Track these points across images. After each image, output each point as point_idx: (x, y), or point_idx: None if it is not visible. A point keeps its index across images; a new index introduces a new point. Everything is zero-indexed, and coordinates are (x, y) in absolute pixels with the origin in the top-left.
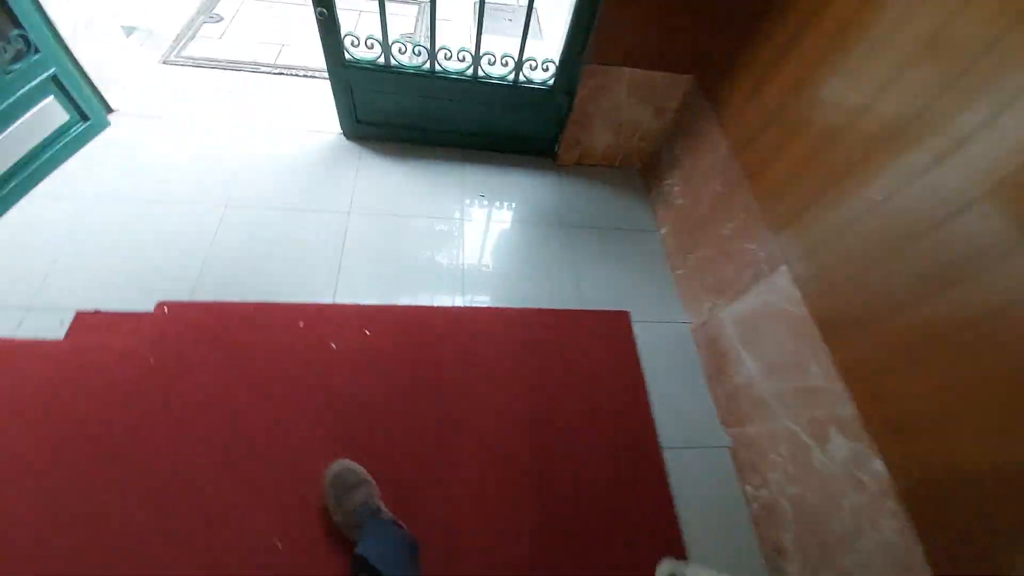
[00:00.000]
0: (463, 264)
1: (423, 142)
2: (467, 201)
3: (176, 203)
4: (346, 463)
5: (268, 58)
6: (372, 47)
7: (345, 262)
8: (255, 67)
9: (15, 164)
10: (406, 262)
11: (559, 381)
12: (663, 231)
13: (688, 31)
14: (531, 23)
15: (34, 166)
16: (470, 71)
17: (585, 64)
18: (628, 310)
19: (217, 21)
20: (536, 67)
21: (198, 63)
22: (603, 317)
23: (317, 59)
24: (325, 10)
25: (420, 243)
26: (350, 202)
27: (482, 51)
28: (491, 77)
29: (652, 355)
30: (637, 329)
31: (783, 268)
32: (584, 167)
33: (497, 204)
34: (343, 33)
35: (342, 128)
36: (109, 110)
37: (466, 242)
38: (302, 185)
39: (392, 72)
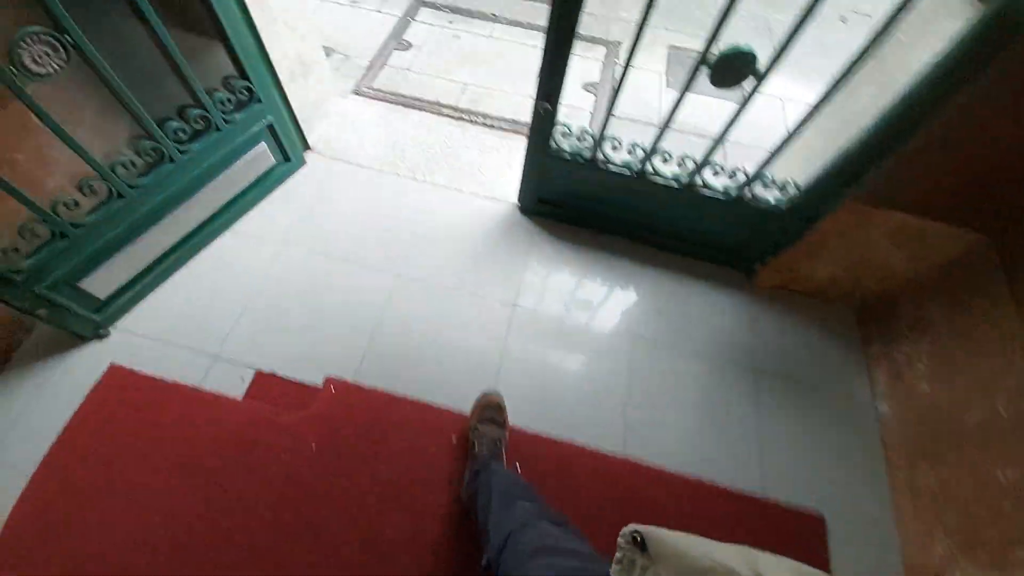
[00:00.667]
0: (626, 398)
1: (599, 229)
2: (641, 316)
3: (351, 263)
4: (500, 398)
5: (451, 97)
6: (583, 139)
7: (505, 367)
8: (437, 107)
9: (220, 207)
10: (563, 384)
11: None
12: (884, 409)
13: (994, 184)
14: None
15: (235, 206)
16: (686, 179)
17: (848, 198)
18: (823, 515)
19: (406, 48)
20: (769, 184)
21: (385, 96)
22: (790, 517)
23: (500, 106)
24: (549, 106)
25: (581, 362)
26: (516, 294)
27: (708, 159)
28: (709, 186)
29: None
30: (833, 546)
31: None
32: (783, 292)
33: (675, 325)
34: (556, 123)
35: (520, 201)
36: (307, 147)
37: (633, 372)
38: (471, 262)
39: (596, 167)
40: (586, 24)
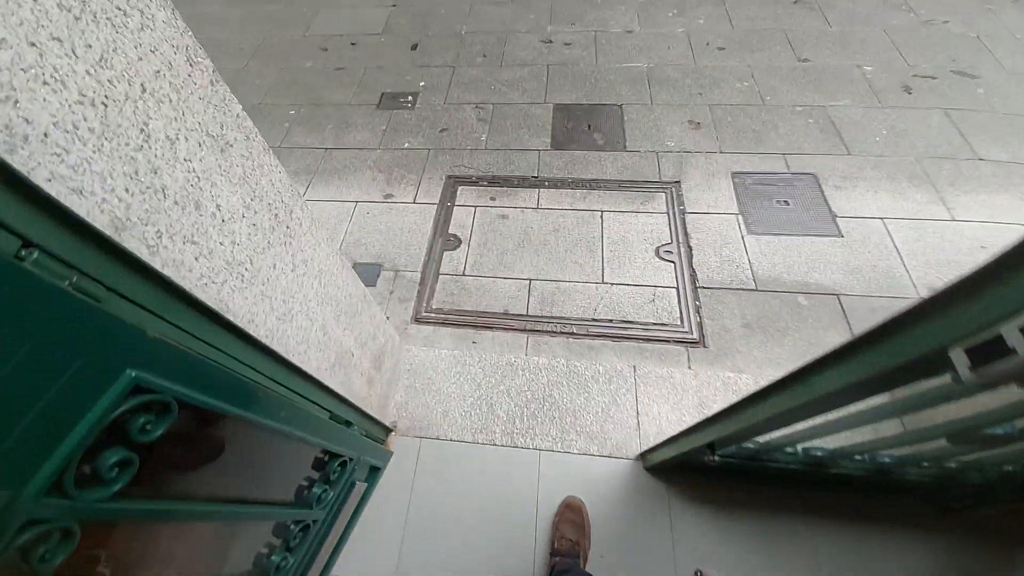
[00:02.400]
0: None
1: (750, 479)
2: None
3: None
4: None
5: (519, 303)
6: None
7: None
8: (506, 321)
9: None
10: None
11: None
12: None
13: None
14: None
15: (336, 540)
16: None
17: None
18: None
19: (455, 247)
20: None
21: (447, 319)
22: None
23: (577, 304)
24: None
25: None
26: None
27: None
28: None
29: None
30: None
31: None
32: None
33: None
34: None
35: (643, 459)
36: (388, 431)
37: None
38: (604, 545)
39: (759, 461)
40: (636, 167)
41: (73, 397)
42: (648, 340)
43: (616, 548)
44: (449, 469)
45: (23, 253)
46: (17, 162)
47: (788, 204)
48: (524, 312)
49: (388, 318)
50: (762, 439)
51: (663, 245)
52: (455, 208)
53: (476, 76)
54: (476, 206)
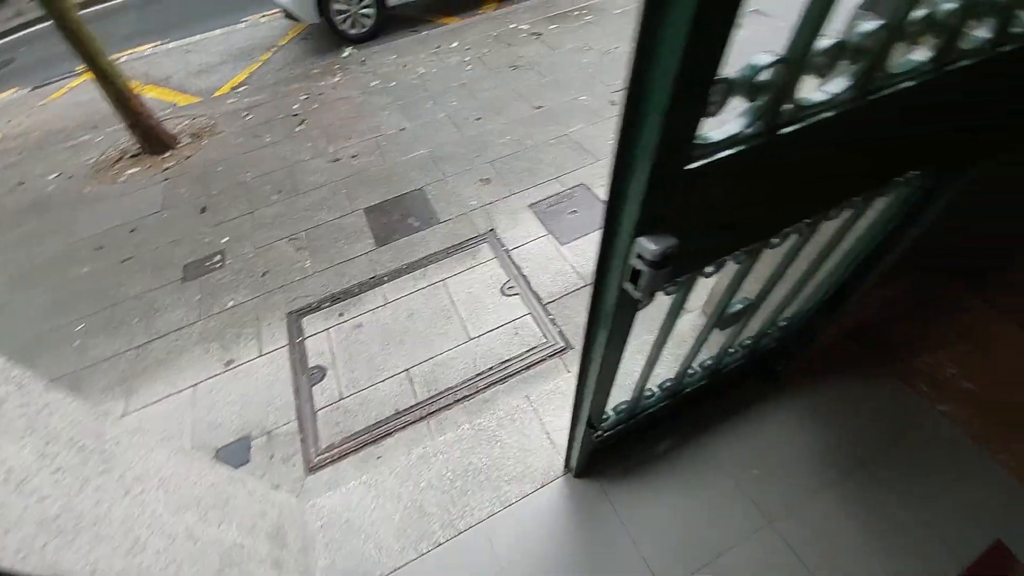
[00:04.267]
0: None
1: (645, 434)
2: (752, 507)
3: None
4: None
5: (407, 396)
6: (619, 412)
7: None
8: (401, 419)
9: None
10: None
11: None
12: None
13: None
14: None
15: None
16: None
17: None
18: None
19: (321, 377)
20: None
21: (344, 450)
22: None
23: (457, 368)
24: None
25: None
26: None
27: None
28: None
29: None
30: None
31: None
32: (808, 370)
33: (765, 481)
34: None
35: (574, 466)
36: None
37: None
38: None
39: (638, 416)
40: (454, 232)
41: None
42: (528, 367)
43: (588, 568)
44: None
45: None
46: None
47: (576, 212)
48: (414, 402)
49: (278, 486)
50: (618, 400)
51: (504, 284)
52: (307, 340)
53: (278, 212)
54: (328, 328)
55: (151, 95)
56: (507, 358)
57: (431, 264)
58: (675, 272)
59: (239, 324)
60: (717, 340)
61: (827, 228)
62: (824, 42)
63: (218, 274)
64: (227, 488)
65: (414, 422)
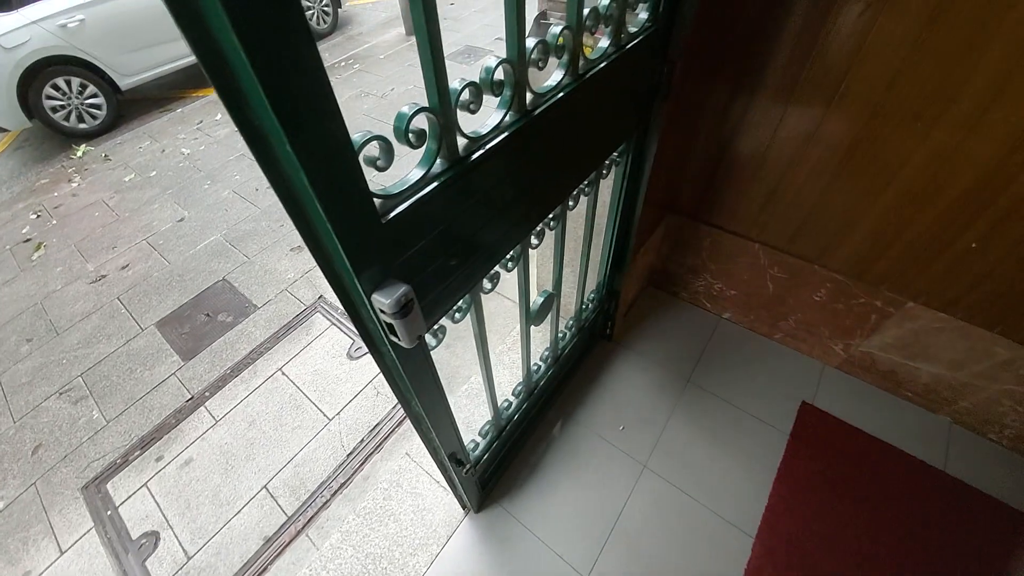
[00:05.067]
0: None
1: (523, 445)
2: (627, 459)
3: None
4: None
5: (272, 517)
6: (486, 434)
7: None
8: (269, 549)
9: None
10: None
11: None
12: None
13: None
14: None
15: None
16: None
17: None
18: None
19: (155, 544)
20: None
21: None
22: None
23: (318, 467)
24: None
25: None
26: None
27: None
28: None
29: None
30: None
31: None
32: (630, 325)
33: (630, 430)
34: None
35: (470, 506)
36: None
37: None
38: None
39: (506, 430)
40: (278, 312)
41: None
42: (400, 423)
43: None
44: None
45: None
46: None
47: None
48: (284, 519)
49: None
50: (480, 423)
51: (350, 347)
52: (120, 509)
53: (35, 366)
54: (145, 482)
55: None
56: (376, 423)
57: (260, 357)
58: (434, 309)
59: (19, 527)
60: (546, 333)
61: (578, 213)
62: (457, 84)
63: None
64: None
65: (290, 542)
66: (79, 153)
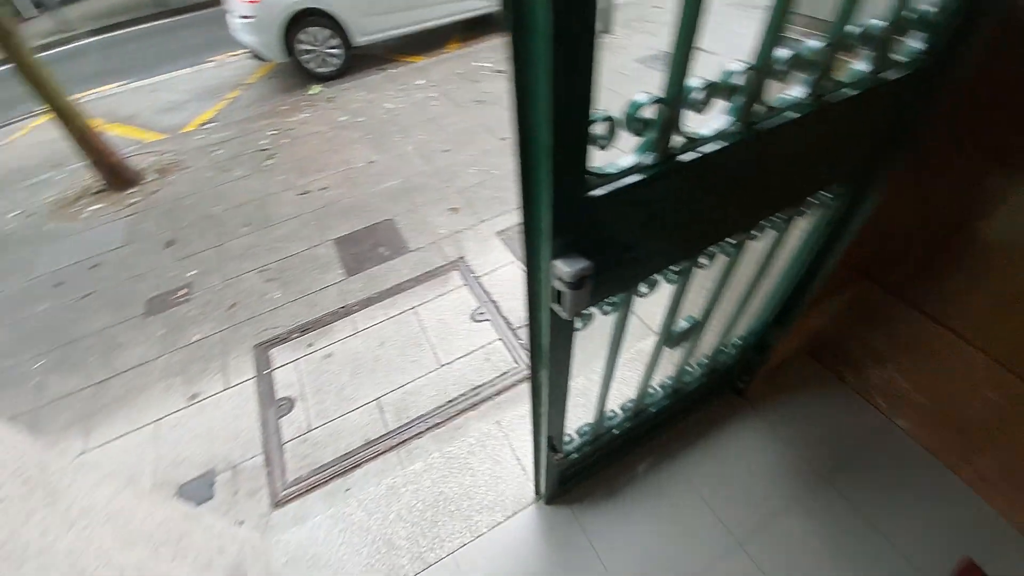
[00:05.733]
0: None
1: (612, 457)
2: (722, 528)
3: None
4: None
5: (377, 425)
6: (584, 434)
7: None
8: (373, 449)
9: None
10: None
11: None
12: (903, 423)
13: None
14: None
15: None
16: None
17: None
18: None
19: (290, 408)
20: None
21: (312, 483)
22: None
23: (429, 397)
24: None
25: None
26: None
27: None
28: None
29: None
30: None
31: None
32: (771, 388)
33: (734, 500)
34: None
35: (544, 492)
36: None
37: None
38: None
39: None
40: (425, 260)
41: None
42: (499, 392)
43: None
44: None
45: None
46: None
47: None
48: (384, 431)
49: (242, 522)
50: (581, 421)
51: (474, 310)
52: (275, 372)
53: (247, 244)
54: (296, 359)
55: (115, 133)
56: (478, 384)
57: (401, 292)
58: (599, 292)
59: (204, 358)
60: (674, 360)
61: (757, 247)
62: (696, 82)
63: (184, 308)
64: (180, 524)
65: (384, 452)
66: (313, 91)
